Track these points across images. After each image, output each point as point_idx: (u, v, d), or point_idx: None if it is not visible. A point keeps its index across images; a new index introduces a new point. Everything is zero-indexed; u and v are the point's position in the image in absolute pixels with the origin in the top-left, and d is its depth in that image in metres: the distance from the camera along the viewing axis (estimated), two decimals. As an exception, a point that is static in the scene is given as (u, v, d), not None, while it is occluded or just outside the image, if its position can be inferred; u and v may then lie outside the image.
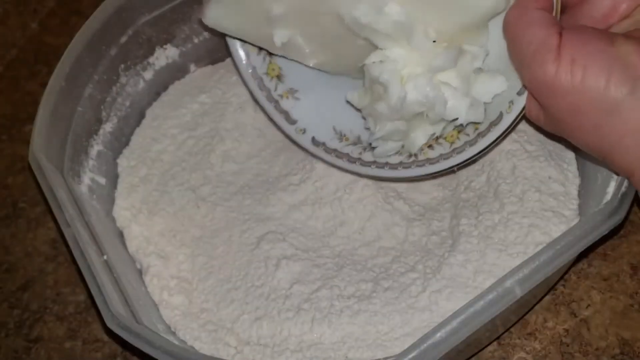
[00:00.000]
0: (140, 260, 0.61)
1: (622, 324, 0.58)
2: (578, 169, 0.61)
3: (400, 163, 0.57)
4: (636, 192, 0.49)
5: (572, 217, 0.57)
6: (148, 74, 0.71)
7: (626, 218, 0.49)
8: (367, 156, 0.59)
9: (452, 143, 0.55)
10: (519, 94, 0.51)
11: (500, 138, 0.53)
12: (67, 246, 0.54)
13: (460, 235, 0.58)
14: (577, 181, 0.60)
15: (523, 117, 0.51)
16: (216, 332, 0.57)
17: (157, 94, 0.72)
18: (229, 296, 0.58)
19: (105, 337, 0.62)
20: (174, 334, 0.57)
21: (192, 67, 0.74)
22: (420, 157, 0.56)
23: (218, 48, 0.74)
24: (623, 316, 0.58)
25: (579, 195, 0.59)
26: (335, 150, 0.61)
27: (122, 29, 0.66)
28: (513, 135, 0.62)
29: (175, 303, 0.59)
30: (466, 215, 0.59)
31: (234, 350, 0.55)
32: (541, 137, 0.62)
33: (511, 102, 0.51)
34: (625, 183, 0.49)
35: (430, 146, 0.56)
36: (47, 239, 0.69)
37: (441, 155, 0.55)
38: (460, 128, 0.55)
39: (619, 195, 0.48)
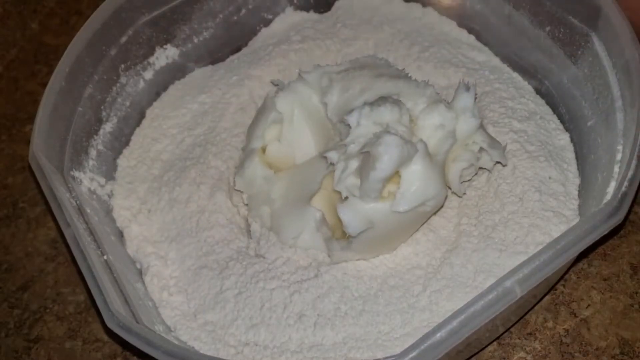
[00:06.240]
0: (140, 260, 0.61)
1: (622, 324, 0.58)
2: (578, 169, 0.61)
3: None
4: (636, 192, 0.49)
5: (572, 217, 0.57)
6: (148, 74, 0.71)
7: (626, 218, 0.49)
8: None
9: None
10: None
11: None
12: (67, 246, 0.54)
13: (460, 235, 0.58)
14: (577, 181, 0.60)
15: None
16: (215, 332, 0.56)
17: (157, 94, 0.72)
18: (222, 297, 0.58)
19: (105, 337, 0.62)
20: (173, 333, 0.57)
21: (192, 67, 0.74)
22: None
23: (218, 48, 0.74)
24: (623, 316, 0.58)
25: (579, 195, 0.59)
26: None
27: (122, 29, 0.67)
28: (513, 135, 0.62)
29: (175, 303, 0.59)
30: (467, 214, 0.59)
31: (234, 350, 0.55)
32: (542, 137, 0.62)
33: None
34: (626, 183, 0.49)
35: None
36: (47, 239, 0.69)
37: None
38: None
39: (619, 195, 0.48)
